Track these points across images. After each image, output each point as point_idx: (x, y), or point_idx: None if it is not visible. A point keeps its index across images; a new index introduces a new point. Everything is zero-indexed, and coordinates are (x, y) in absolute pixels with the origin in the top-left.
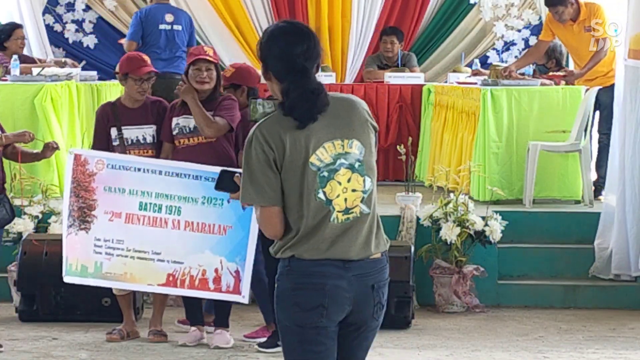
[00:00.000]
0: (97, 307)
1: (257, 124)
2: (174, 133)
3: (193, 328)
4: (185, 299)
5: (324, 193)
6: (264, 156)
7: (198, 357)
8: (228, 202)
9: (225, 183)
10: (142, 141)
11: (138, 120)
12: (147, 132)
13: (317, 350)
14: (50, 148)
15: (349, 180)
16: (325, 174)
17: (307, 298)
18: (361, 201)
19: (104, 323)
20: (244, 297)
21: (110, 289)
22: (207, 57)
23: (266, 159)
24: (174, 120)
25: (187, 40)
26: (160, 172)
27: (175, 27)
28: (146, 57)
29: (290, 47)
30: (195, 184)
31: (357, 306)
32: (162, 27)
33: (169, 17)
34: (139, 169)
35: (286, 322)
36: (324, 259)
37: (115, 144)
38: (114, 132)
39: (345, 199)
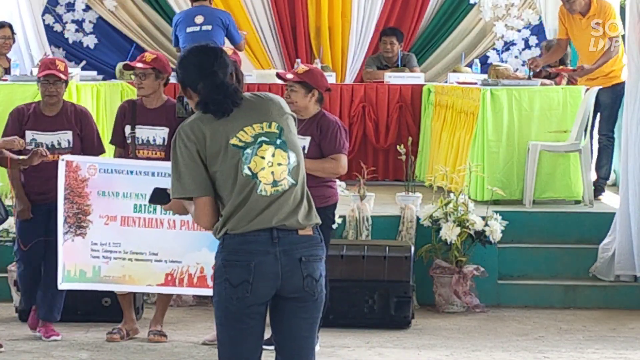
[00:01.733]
0: (97, 307)
1: (181, 125)
2: None
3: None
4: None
5: (249, 169)
6: (187, 150)
7: (198, 357)
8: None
9: (156, 197)
10: (152, 142)
11: (152, 121)
12: (158, 134)
13: (239, 327)
14: (38, 155)
15: (273, 155)
16: (249, 151)
17: (235, 275)
18: (288, 174)
19: (104, 323)
20: None
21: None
22: None
23: (189, 153)
24: None
25: (224, 38)
26: (152, 174)
27: (205, 27)
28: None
29: (201, 60)
30: None
31: (286, 279)
32: (189, 29)
33: (198, 19)
34: (132, 172)
35: (217, 297)
36: (252, 232)
37: (127, 141)
38: (127, 129)
39: (272, 172)
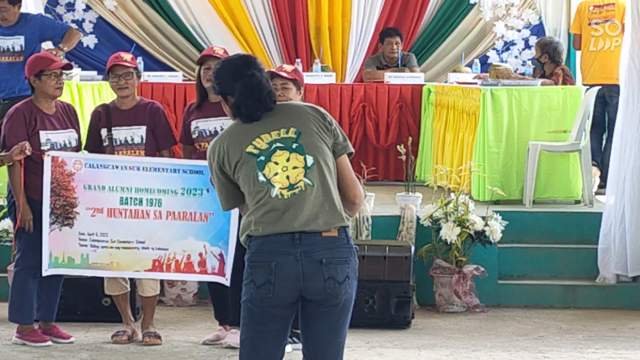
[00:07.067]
0: (97, 307)
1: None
2: (194, 137)
3: (219, 328)
4: (214, 299)
5: (264, 175)
6: (212, 170)
7: (198, 357)
8: (207, 191)
9: None
10: (130, 142)
11: (128, 121)
12: (135, 133)
13: (260, 329)
14: (19, 150)
15: (287, 160)
16: (263, 158)
17: (258, 275)
18: (304, 176)
19: (104, 323)
20: (227, 279)
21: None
22: (216, 55)
23: (215, 172)
24: (193, 124)
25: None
26: (138, 168)
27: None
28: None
29: (240, 67)
30: (174, 177)
31: (307, 281)
32: None
33: None
34: (117, 167)
35: (244, 297)
36: (273, 234)
37: (105, 144)
38: (104, 132)
39: (288, 176)
